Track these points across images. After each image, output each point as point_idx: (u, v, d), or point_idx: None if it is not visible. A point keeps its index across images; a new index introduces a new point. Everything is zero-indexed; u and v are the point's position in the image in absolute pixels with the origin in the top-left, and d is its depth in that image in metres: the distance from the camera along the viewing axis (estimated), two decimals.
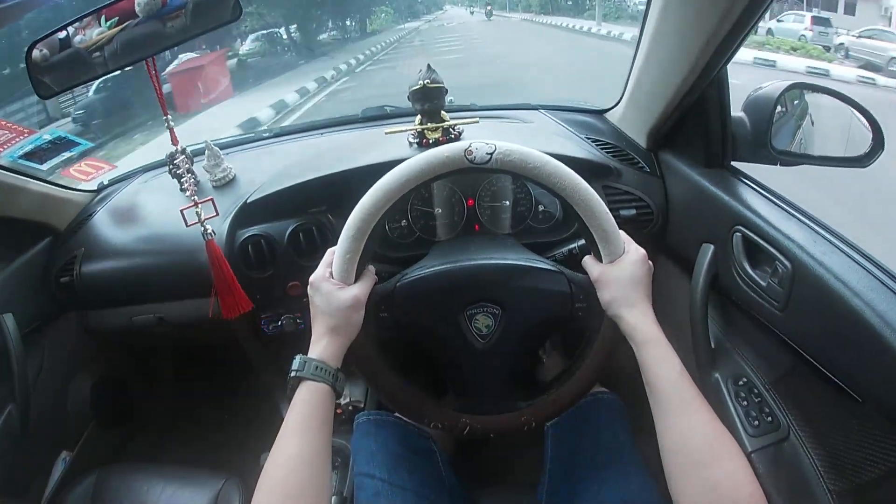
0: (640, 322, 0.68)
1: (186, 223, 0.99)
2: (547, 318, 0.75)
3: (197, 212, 1.00)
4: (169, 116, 0.95)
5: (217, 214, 1.04)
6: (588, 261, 0.75)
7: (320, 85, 9.16)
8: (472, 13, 23.32)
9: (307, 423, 0.63)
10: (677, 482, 0.60)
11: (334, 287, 0.70)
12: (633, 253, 0.72)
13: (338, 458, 1.07)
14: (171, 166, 1.11)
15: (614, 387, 0.97)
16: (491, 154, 0.68)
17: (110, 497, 1.03)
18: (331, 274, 0.71)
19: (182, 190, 1.07)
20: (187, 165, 1.07)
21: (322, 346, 0.68)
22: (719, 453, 0.59)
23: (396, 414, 0.90)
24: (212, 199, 1.04)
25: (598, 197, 0.70)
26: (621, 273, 0.70)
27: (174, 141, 0.98)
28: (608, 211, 0.71)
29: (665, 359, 0.65)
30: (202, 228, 1.00)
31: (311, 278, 0.73)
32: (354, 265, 0.71)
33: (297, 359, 0.67)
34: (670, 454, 0.61)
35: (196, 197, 1.01)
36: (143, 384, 1.62)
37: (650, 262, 0.73)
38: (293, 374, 0.66)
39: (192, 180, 1.06)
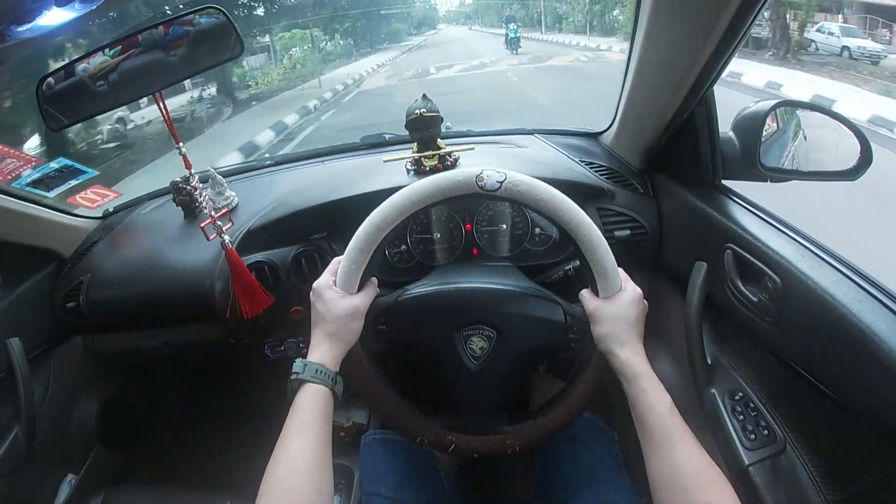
0: (631, 359, 0.69)
1: (208, 238, 1.01)
2: (540, 345, 0.76)
3: (217, 224, 1.02)
4: (181, 145, 0.97)
5: (232, 224, 1.06)
6: (585, 294, 0.76)
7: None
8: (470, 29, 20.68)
9: (307, 424, 0.65)
10: None
11: (336, 295, 0.72)
12: (630, 292, 0.74)
13: (342, 479, 1.07)
14: (175, 194, 1.13)
15: (602, 409, 0.98)
16: (501, 182, 0.71)
17: None
18: (335, 282, 0.73)
19: (197, 208, 1.08)
20: (199, 185, 1.09)
21: (321, 351, 0.70)
22: (707, 484, 0.60)
23: None
24: (227, 212, 1.06)
25: (599, 233, 0.72)
26: (616, 310, 0.72)
27: (188, 166, 1.00)
28: (609, 249, 0.72)
29: (654, 395, 0.67)
30: (220, 239, 1.02)
31: (315, 284, 0.75)
32: (359, 276, 0.73)
33: (298, 362, 0.68)
34: (659, 486, 0.63)
35: (213, 212, 1.03)
36: (148, 406, 1.62)
37: (645, 303, 0.75)
38: (294, 376, 0.67)
39: (206, 196, 1.08)
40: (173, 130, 0.94)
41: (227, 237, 1.03)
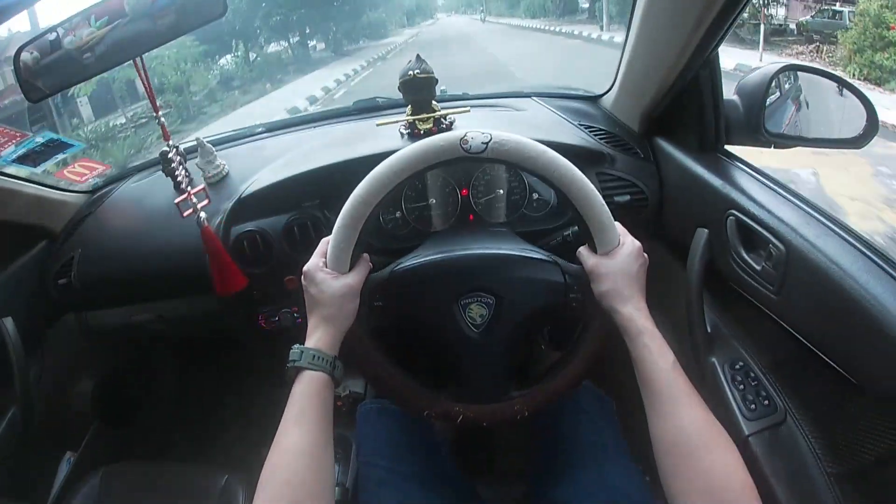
0: (633, 315, 0.68)
1: (182, 214, 0.99)
2: (541, 307, 0.75)
3: (192, 202, 1.00)
4: (160, 114, 0.95)
5: (209, 201, 1.04)
6: (583, 251, 0.75)
7: None
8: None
9: (306, 412, 0.64)
10: (669, 473, 0.60)
11: (328, 276, 0.70)
12: (629, 245, 0.72)
13: (339, 449, 1.07)
14: (164, 165, 1.11)
15: (600, 379, 0.98)
16: (486, 143, 0.68)
17: (115, 496, 1.04)
18: (325, 263, 0.71)
19: (177, 183, 1.07)
20: (180, 159, 1.07)
21: (318, 336, 0.68)
22: (711, 445, 0.59)
23: None
24: (204, 188, 1.04)
25: (593, 187, 0.70)
26: (616, 265, 0.70)
27: (166, 137, 0.98)
28: (604, 202, 0.70)
29: (658, 352, 0.65)
30: (197, 217, 1.00)
31: (305, 268, 0.72)
32: (349, 254, 0.71)
33: (294, 349, 0.67)
34: (662, 446, 0.62)
35: (189, 188, 1.01)
36: (145, 383, 1.63)
37: (645, 255, 0.73)
38: (291, 364, 0.66)
39: (185, 172, 1.06)
40: (152, 97, 0.92)
41: (203, 214, 1.01)
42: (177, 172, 1.04)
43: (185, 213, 1.00)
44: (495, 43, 13.92)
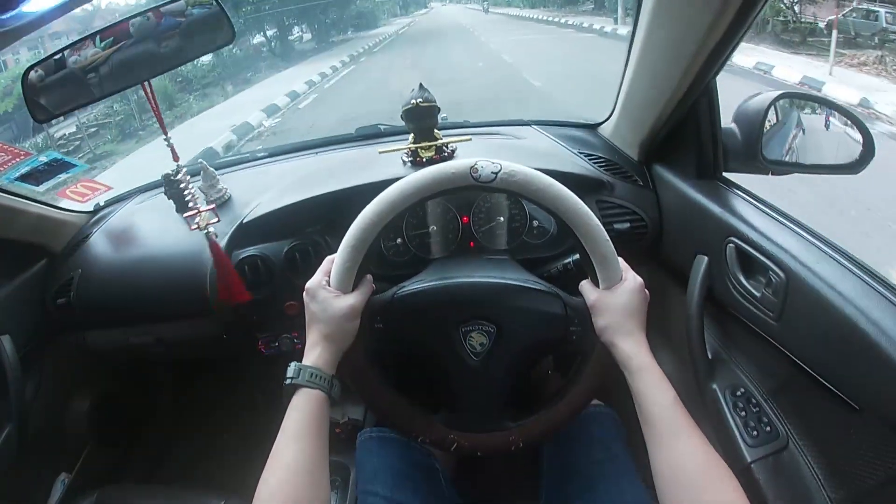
0: (634, 351, 0.68)
1: (190, 227, 0.99)
2: (541, 339, 0.75)
3: (202, 216, 1.01)
4: (169, 136, 0.95)
5: (219, 220, 1.04)
6: (585, 286, 0.75)
7: None
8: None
9: (303, 430, 0.63)
10: None
11: (330, 295, 0.70)
12: (631, 281, 0.72)
13: (338, 476, 1.06)
14: (166, 187, 1.12)
15: (611, 400, 0.97)
16: (496, 173, 0.69)
17: None
18: (328, 282, 0.71)
19: (185, 203, 1.07)
20: (189, 179, 1.08)
21: (317, 354, 0.68)
22: (712, 479, 0.59)
23: None
24: (213, 208, 1.04)
25: (598, 222, 0.70)
26: (617, 301, 0.70)
27: (175, 158, 0.99)
28: (608, 238, 0.71)
29: (659, 387, 0.65)
30: (205, 231, 1.01)
31: (308, 285, 0.72)
32: (353, 274, 0.71)
33: (292, 366, 0.67)
34: (663, 480, 0.61)
35: (200, 205, 1.02)
36: (142, 404, 1.61)
37: (647, 292, 0.73)
38: (288, 381, 0.66)
39: (194, 192, 1.07)
40: (161, 119, 0.93)
41: (212, 229, 1.01)
42: (185, 192, 1.04)
43: (192, 228, 1.00)
44: (497, 38, 12.16)
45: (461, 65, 9.43)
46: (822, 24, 7.31)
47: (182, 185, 1.06)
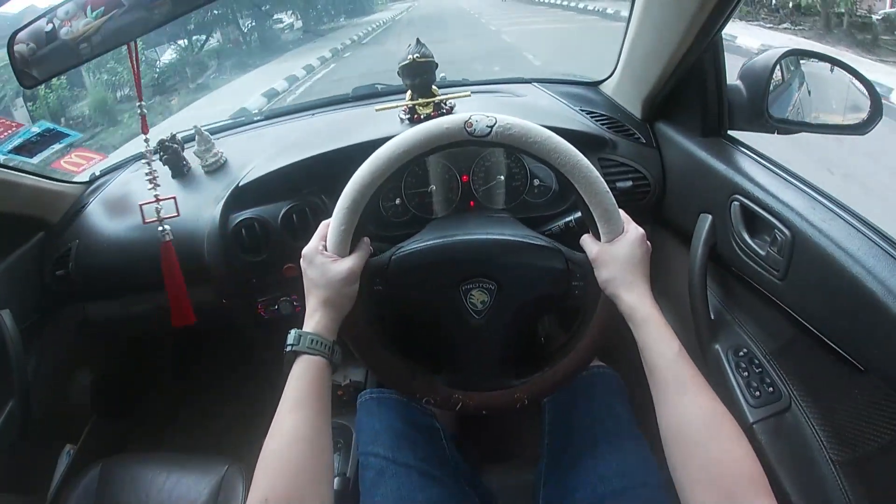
0: (638, 302, 0.67)
1: (144, 219, 0.98)
2: (543, 295, 0.74)
3: (157, 208, 0.99)
4: (142, 103, 0.93)
5: (178, 215, 1.03)
6: (586, 239, 0.74)
7: None
8: None
9: (304, 397, 0.63)
10: (676, 462, 0.59)
11: (328, 260, 0.69)
12: (633, 232, 0.71)
13: (339, 438, 1.07)
14: (161, 153, 1.10)
15: (613, 362, 0.97)
16: (491, 127, 0.67)
17: (115, 488, 1.03)
18: (324, 246, 0.70)
19: (151, 180, 1.05)
20: (154, 159, 1.05)
21: (316, 320, 0.67)
22: (719, 433, 0.58)
23: None
24: (174, 198, 1.02)
25: (598, 174, 0.68)
26: (620, 252, 0.69)
27: (144, 129, 0.96)
28: (608, 189, 0.69)
29: (663, 339, 0.64)
30: (160, 228, 0.99)
31: (304, 251, 0.71)
32: (349, 237, 0.69)
33: (293, 333, 0.66)
34: (669, 434, 0.61)
35: (159, 193, 0.99)
36: (144, 374, 1.62)
37: (649, 243, 0.72)
38: (288, 348, 0.65)
39: (156, 174, 1.03)
40: (139, 85, 0.91)
41: (168, 227, 1.00)
42: (147, 171, 1.01)
43: (148, 220, 0.98)
44: (510, 27, 10.31)
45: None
46: (875, 18, 6.16)
47: (163, 159, 1.04)
